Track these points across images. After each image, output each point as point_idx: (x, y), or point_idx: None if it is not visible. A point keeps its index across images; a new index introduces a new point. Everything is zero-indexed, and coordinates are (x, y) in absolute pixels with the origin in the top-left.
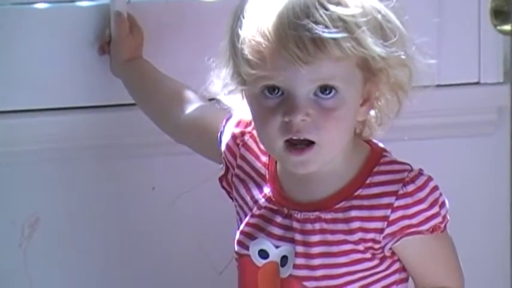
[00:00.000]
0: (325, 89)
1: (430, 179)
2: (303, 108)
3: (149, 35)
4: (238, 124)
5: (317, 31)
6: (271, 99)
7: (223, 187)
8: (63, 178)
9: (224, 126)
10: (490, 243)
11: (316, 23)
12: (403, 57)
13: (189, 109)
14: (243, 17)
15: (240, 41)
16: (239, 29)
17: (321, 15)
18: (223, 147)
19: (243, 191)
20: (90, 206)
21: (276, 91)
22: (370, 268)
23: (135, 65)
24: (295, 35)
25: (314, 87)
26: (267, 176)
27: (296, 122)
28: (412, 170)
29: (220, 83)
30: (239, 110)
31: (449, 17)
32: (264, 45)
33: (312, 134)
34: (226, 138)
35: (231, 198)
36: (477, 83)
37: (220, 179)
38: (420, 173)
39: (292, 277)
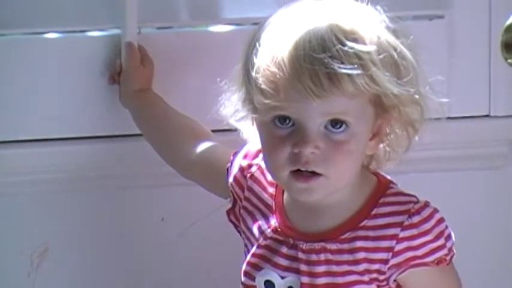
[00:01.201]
0: (336, 122)
1: (436, 211)
2: (313, 140)
3: (159, 65)
4: (245, 156)
5: (332, 66)
6: (281, 129)
7: (230, 220)
8: (71, 208)
9: (232, 160)
10: (500, 279)
11: (332, 57)
12: (416, 96)
13: (197, 145)
14: (259, 45)
15: (254, 69)
16: (254, 57)
17: (337, 50)
18: (230, 179)
19: (250, 223)
20: (99, 237)
21: (287, 121)
22: None
23: (144, 96)
24: (310, 69)
25: (325, 121)
26: (273, 207)
27: (305, 153)
28: (418, 201)
29: (232, 107)
30: (248, 134)
31: (460, 50)
32: (278, 76)
33: (320, 166)
34: (234, 171)
35: (238, 231)
36: (487, 116)
37: (228, 212)
38: (426, 204)
39: None
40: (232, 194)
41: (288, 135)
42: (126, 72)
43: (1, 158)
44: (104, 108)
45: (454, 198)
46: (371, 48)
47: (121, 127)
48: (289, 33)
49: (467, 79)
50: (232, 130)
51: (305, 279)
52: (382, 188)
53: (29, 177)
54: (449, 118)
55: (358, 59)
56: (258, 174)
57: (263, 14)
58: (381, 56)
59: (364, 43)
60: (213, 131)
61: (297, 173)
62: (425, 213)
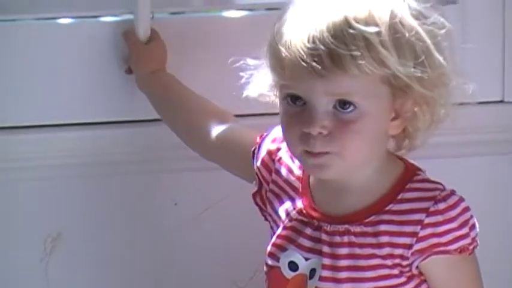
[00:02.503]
0: (344, 103)
1: (462, 199)
2: (320, 120)
3: (171, 50)
4: (273, 140)
5: (335, 47)
6: (294, 107)
7: (256, 203)
8: (85, 193)
9: (260, 143)
10: (507, 264)
11: (336, 38)
12: (429, 73)
13: (219, 127)
14: (275, 26)
15: (269, 46)
16: (271, 36)
17: (342, 31)
18: (258, 163)
19: (277, 205)
20: (113, 222)
21: (299, 100)
22: (396, 285)
23: (158, 78)
24: (312, 48)
25: (332, 101)
26: (300, 189)
27: (313, 135)
28: (444, 189)
29: (259, 83)
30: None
31: (473, 35)
32: (283, 55)
33: (329, 147)
34: (261, 155)
35: (264, 215)
36: (501, 101)
37: (254, 196)
38: (452, 192)
39: None
40: (258, 177)
41: (299, 114)
42: (132, 56)
43: (14, 144)
44: (115, 93)
45: (467, 183)
46: (379, 29)
47: (133, 112)
48: (306, 16)
49: (480, 64)
50: (245, 115)
51: (327, 261)
52: (409, 174)
53: (41, 162)
54: (462, 103)
55: (364, 40)
56: (285, 158)
57: (276, 0)
58: (392, 37)
59: (374, 24)
60: None
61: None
62: (451, 200)
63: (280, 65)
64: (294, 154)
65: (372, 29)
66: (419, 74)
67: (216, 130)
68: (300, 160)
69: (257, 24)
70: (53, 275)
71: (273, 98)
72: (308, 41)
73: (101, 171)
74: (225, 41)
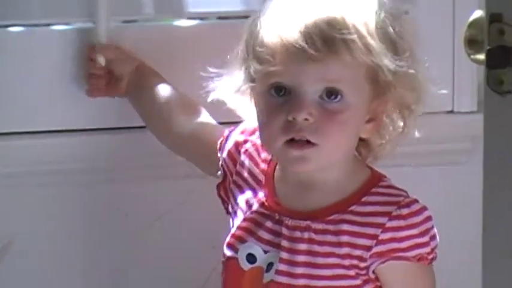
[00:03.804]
0: (331, 93)
1: (425, 208)
2: (307, 107)
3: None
4: (242, 132)
5: (328, 31)
6: (276, 98)
7: (219, 195)
8: (38, 202)
9: (228, 136)
10: (461, 274)
11: (328, 23)
12: (411, 72)
13: (189, 118)
14: (260, 17)
15: (253, 38)
16: (254, 28)
17: (335, 18)
18: (224, 154)
19: (239, 196)
20: (65, 230)
21: (283, 91)
22: (351, 287)
23: (140, 73)
24: (305, 32)
25: (320, 89)
26: (263, 182)
27: (299, 121)
28: (408, 196)
29: (230, 84)
30: (244, 112)
31: (424, 45)
32: (274, 41)
33: (313, 135)
34: (228, 146)
35: (225, 208)
36: (451, 112)
37: (218, 187)
38: (416, 200)
39: (273, 283)
40: (223, 168)
41: (283, 104)
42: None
43: None
44: (65, 102)
45: (418, 193)
46: (370, 20)
47: (92, 121)
48: (292, 5)
49: (431, 75)
50: None
51: (284, 255)
52: (375, 180)
53: None
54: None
55: (355, 29)
56: (252, 151)
57: (227, 9)
58: (378, 30)
59: (363, 16)
60: None
61: (291, 142)
62: (415, 207)
63: (270, 51)
64: (272, 149)
65: (362, 19)
66: (401, 70)
67: (188, 122)
68: (278, 155)
69: (208, 33)
70: (3, 283)
71: (240, 100)
72: (301, 25)
73: (55, 179)
74: (176, 50)
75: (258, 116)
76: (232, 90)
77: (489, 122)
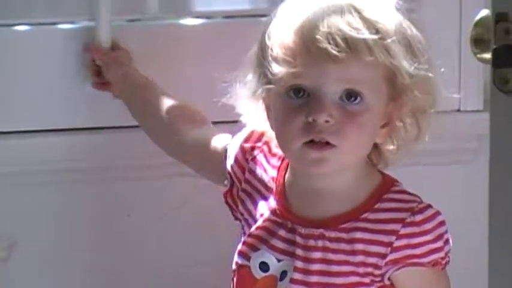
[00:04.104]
0: (350, 95)
1: (438, 213)
2: (328, 109)
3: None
4: (248, 139)
5: (350, 31)
6: (295, 100)
7: (227, 203)
8: (40, 201)
9: (233, 143)
10: (468, 273)
11: (350, 24)
12: (429, 75)
13: (193, 126)
14: (277, 19)
15: (270, 40)
16: (271, 30)
17: (355, 18)
18: (231, 161)
19: (249, 205)
20: (65, 230)
21: (301, 93)
22: None
23: (132, 80)
24: (327, 32)
25: (340, 90)
26: (274, 189)
27: (319, 122)
28: (421, 201)
29: (245, 88)
30: (252, 116)
31: (430, 44)
32: (295, 42)
33: (333, 137)
34: (234, 153)
35: (234, 215)
36: (458, 111)
37: (225, 195)
38: (429, 205)
39: None
40: (231, 176)
41: (302, 106)
42: (102, 66)
43: None
44: (69, 101)
45: (423, 192)
46: (389, 22)
47: (93, 120)
48: (307, 5)
49: (437, 74)
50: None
51: (299, 264)
52: (386, 185)
53: None
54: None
55: (375, 29)
56: (260, 157)
57: (233, 7)
58: (397, 33)
59: (382, 18)
60: None
61: (310, 144)
62: (428, 213)
63: (290, 53)
64: (289, 150)
65: (381, 20)
66: (420, 72)
67: (192, 131)
68: (296, 156)
69: (214, 32)
70: (8, 283)
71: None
72: (323, 27)
73: (56, 178)
74: (182, 49)
75: (276, 119)
76: (247, 94)
77: (495, 120)
